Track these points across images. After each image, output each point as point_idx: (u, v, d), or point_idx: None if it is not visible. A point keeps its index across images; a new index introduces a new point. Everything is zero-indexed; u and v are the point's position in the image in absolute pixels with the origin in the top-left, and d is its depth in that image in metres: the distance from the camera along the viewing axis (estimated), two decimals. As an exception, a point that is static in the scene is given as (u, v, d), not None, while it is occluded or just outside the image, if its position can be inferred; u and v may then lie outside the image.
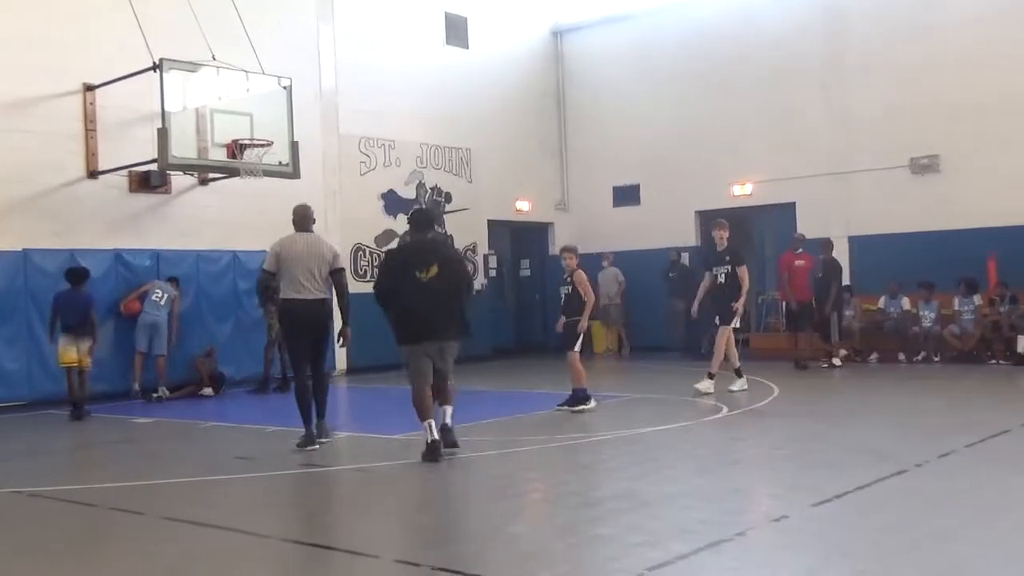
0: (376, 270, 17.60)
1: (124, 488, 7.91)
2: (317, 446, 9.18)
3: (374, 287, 9.00)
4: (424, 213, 9.53)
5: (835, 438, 9.14)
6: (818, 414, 10.71)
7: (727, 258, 12.38)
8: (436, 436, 8.26)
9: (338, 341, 9.57)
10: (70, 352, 12.16)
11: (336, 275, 9.29)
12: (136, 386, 13.85)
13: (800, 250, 15.87)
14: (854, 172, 17.64)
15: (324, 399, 9.41)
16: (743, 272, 12.36)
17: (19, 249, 13.28)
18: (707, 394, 11.93)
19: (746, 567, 5.30)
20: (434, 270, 8.46)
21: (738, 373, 12.47)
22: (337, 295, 9.37)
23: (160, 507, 7.07)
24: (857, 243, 17.51)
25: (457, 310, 8.64)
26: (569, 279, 11.19)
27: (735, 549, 5.52)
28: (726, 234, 12.57)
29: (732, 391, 12.18)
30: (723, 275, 12.33)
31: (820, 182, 17.89)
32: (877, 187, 17.33)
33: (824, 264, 15.99)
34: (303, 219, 9.45)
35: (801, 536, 5.81)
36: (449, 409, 8.60)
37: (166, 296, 13.94)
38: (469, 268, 15.58)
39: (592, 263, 20.62)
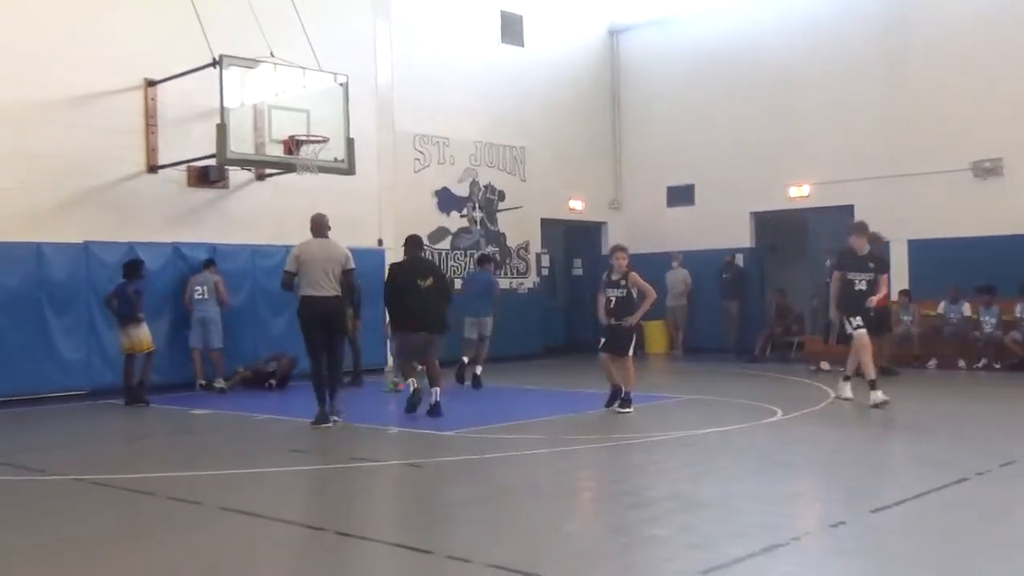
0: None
1: (182, 477, 8.03)
2: (331, 423, 10.30)
3: (385, 289, 11.44)
4: (417, 238, 11.82)
5: (894, 444, 9.01)
6: (876, 419, 10.53)
7: (871, 264, 11.53)
8: (415, 388, 11.12)
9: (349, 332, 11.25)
10: (125, 340, 12.67)
11: (347, 275, 10.50)
12: (201, 382, 14.08)
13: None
14: (914, 175, 17.33)
15: (337, 382, 10.59)
16: (886, 280, 12.03)
17: (80, 242, 13.52)
18: (883, 402, 10.93)
19: (802, 572, 5.23)
20: (430, 280, 11.13)
21: (847, 378, 11.80)
22: (347, 292, 10.76)
23: (216, 497, 7.15)
24: (916, 247, 17.22)
25: (443, 312, 11.27)
26: (623, 282, 10.84)
27: (790, 554, 5.45)
28: (866, 239, 12.08)
29: (843, 398, 11.61)
30: (865, 282, 11.40)
31: (879, 184, 17.61)
32: (937, 190, 17.01)
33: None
34: (319, 226, 10.70)
35: (858, 543, 5.72)
36: (438, 390, 10.97)
37: (206, 288, 14.07)
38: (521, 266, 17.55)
39: (646, 262, 20.57)
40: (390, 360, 14.90)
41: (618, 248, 11.20)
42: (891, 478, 7.35)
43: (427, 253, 17.82)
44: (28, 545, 5.96)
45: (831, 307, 11.93)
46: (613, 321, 10.91)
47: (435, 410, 10.80)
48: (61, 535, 6.19)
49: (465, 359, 14.29)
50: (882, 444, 8.99)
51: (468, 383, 14.00)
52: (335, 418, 10.41)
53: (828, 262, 15.91)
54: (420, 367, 11.36)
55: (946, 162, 16.91)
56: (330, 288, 10.32)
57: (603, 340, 11.05)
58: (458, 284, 16.01)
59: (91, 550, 5.82)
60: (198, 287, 14.13)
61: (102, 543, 5.98)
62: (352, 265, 10.52)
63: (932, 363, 15.92)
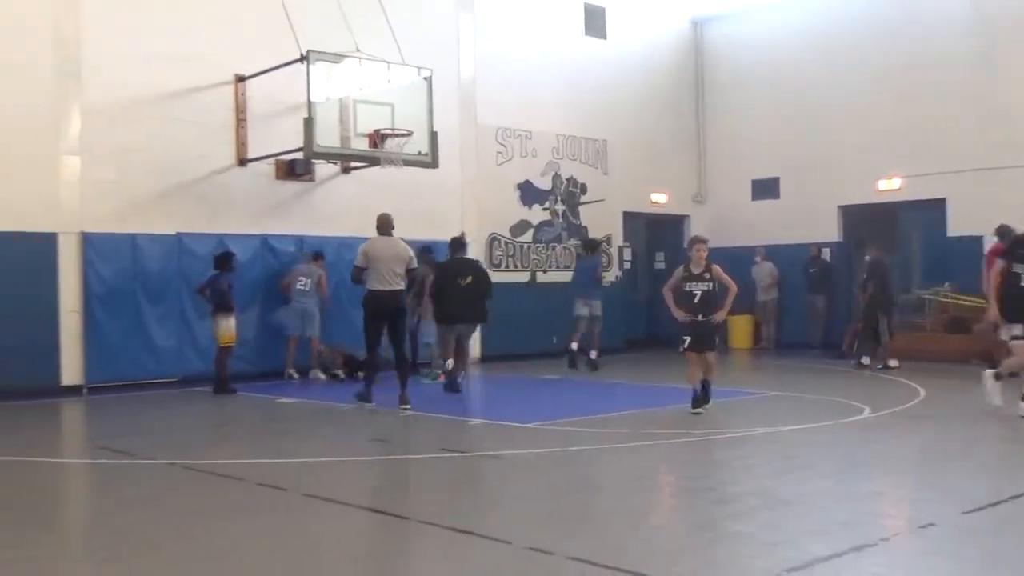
0: (510, 260, 17.93)
1: (268, 464, 8.21)
2: (373, 404, 11.16)
3: (431, 287, 13.13)
4: (459, 240, 13.44)
5: (988, 443, 8.76)
6: (969, 417, 10.23)
7: None
8: (450, 368, 12.78)
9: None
10: (215, 330, 13.09)
11: (411, 273, 11.38)
12: (291, 370, 14.36)
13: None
14: (1011, 167, 16.77)
15: (406, 372, 11.24)
16: None
17: (173, 233, 13.89)
18: None
19: (890, 573, 5.13)
20: (469, 279, 12.84)
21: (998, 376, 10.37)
22: (409, 287, 11.69)
23: (301, 484, 7.30)
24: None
25: (482, 304, 13.03)
26: (707, 275, 10.32)
27: (878, 554, 5.35)
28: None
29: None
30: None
31: (973, 177, 17.08)
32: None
33: (869, 264, 15.47)
34: (385, 225, 11.48)
35: (951, 544, 5.58)
36: (463, 372, 13.05)
37: (310, 281, 14.34)
38: (603, 260, 17.76)
39: (730, 257, 20.34)
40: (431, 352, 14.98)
41: (698, 240, 10.67)
42: (984, 479, 7.15)
43: (509, 246, 17.98)
44: (126, 525, 6.17)
45: (990, 302, 10.49)
46: (700, 317, 10.34)
47: (455, 387, 12.57)
48: (155, 517, 6.39)
49: (574, 345, 15.44)
50: (976, 445, 8.74)
51: (583, 368, 15.24)
52: (405, 407, 10.88)
53: (868, 257, 15.59)
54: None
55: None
56: (395, 283, 11.10)
57: (687, 339, 10.39)
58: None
59: (183, 532, 5.99)
60: (302, 278, 14.38)
61: (193, 525, 6.15)
62: (415, 264, 11.45)
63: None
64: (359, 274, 11.16)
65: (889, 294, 15.47)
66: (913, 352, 15.66)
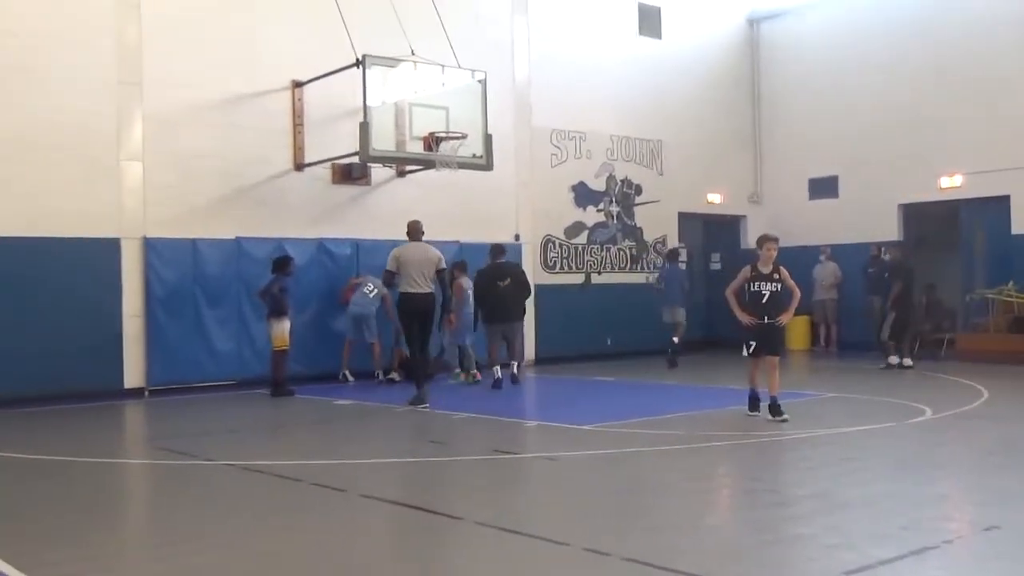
0: (564, 261, 17.91)
1: (326, 465, 8.29)
2: (427, 405, 11.34)
3: (474, 291, 13.85)
4: (498, 246, 14.34)
5: (1053, 446, 8.54)
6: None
7: None
8: (500, 376, 13.31)
9: (441, 325, 13.19)
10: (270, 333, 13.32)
11: (440, 274, 11.74)
12: (345, 372, 14.50)
13: None
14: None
15: (425, 372, 11.80)
16: None
17: (232, 237, 14.10)
18: None
19: (954, 577, 5.03)
20: (507, 280, 13.81)
21: None
22: (440, 289, 12.02)
23: (359, 485, 7.36)
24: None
25: (521, 304, 14.08)
26: (776, 275, 9.96)
27: (941, 558, 5.26)
28: None
29: None
30: None
31: (1037, 173, 16.70)
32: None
33: (890, 265, 15.46)
34: (415, 231, 12.06)
35: (1014, 548, 5.45)
36: (515, 363, 13.91)
37: (376, 291, 14.36)
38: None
39: (788, 257, 20.08)
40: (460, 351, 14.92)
41: (768, 238, 10.20)
42: (1051, 482, 6.98)
43: (564, 248, 17.95)
44: (183, 524, 6.27)
45: None
46: (767, 319, 9.92)
47: (515, 379, 13.69)
48: (212, 516, 6.49)
49: (675, 339, 16.19)
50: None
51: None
52: (424, 404, 11.35)
53: (889, 258, 15.43)
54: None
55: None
56: (425, 286, 11.56)
57: (753, 343, 9.96)
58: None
59: (240, 530, 6.07)
60: (370, 284, 14.35)
61: (249, 524, 6.23)
62: (444, 265, 11.84)
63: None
64: (390, 278, 11.87)
65: (911, 295, 15.36)
66: (977, 352, 15.34)
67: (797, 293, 10.14)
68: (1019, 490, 6.76)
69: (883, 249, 18.26)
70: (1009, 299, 16.29)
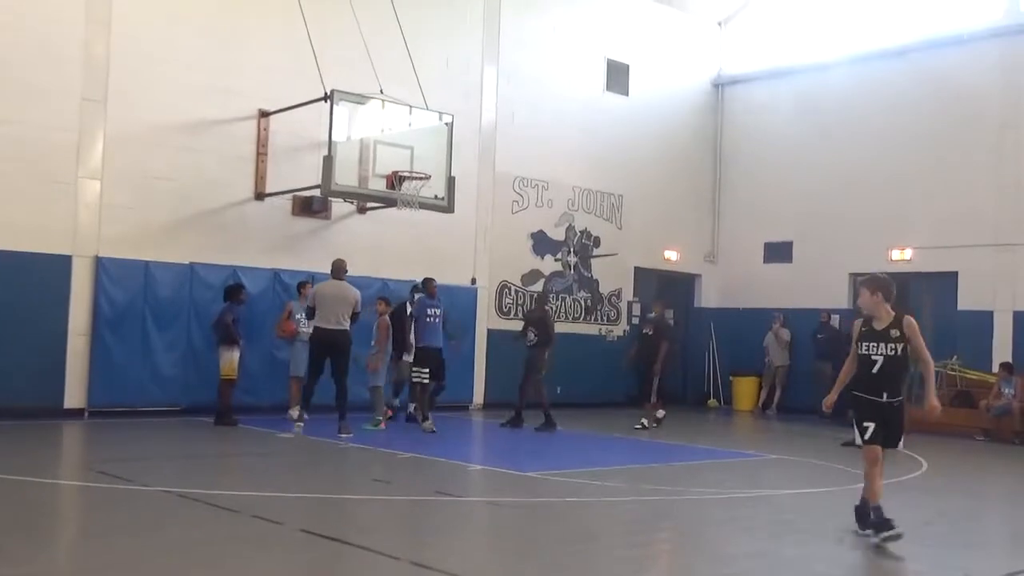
0: (519, 308, 17.95)
1: (265, 497, 8.17)
2: (303, 423, 12.16)
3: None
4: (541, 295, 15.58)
5: (988, 518, 8.67)
6: (971, 492, 10.16)
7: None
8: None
9: (356, 362, 12.88)
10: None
11: (355, 316, 12.28)
12: (293, 413, 13.33)
13: None
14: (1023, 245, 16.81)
15: (344, 403, 12.17)
16: None
17: (186, 262, 13.97)
18: None
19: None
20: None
21: None
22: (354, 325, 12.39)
23: (297, 519, 7.26)
24: (1022, 319, 16.63)
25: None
26: (896, 332, 7.18)
27: (874, 622, 5.29)
28: None
29: None
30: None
31: (985, 252, 17.11)
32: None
33: (654, 324, 15.42)
34: (337, 270, 12.50)
35: (947, 617, 5.52)
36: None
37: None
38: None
39: (741, 318, 20.31)
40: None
41: (875, 283, 7.37)
42: (985, 553, 7.07)
43: (519, 294, 18.01)
44: (115, 548, 6.14)
45: None
46: (886, 396, 7.17)
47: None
48: (145, 542, 6.36)
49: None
50: (976, 517, 8.66)
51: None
52: (344, 436, 11.83)
53: (652, 315, 15.81)
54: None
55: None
56: (335, 323, 12.07)
57: (872, 426, 7.22)
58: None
59: (173, 562, 5.95)
60: (300, 313, 13.72)
61: (183, 555, 6.11)
62: (359, 309, 12.35)
63: (1034, 440, 15.30)
64: (311, 312, 12.39)
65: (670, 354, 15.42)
66: (919, 424, 15.51)
67: (927, 359, 7.31)
68: (954, 562, 6.83)
69: (830, 316, 18.54)
70: (953, 373, 16.57)
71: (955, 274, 17.45)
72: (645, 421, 14.87)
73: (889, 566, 6.98)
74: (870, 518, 7.12)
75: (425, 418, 12.97)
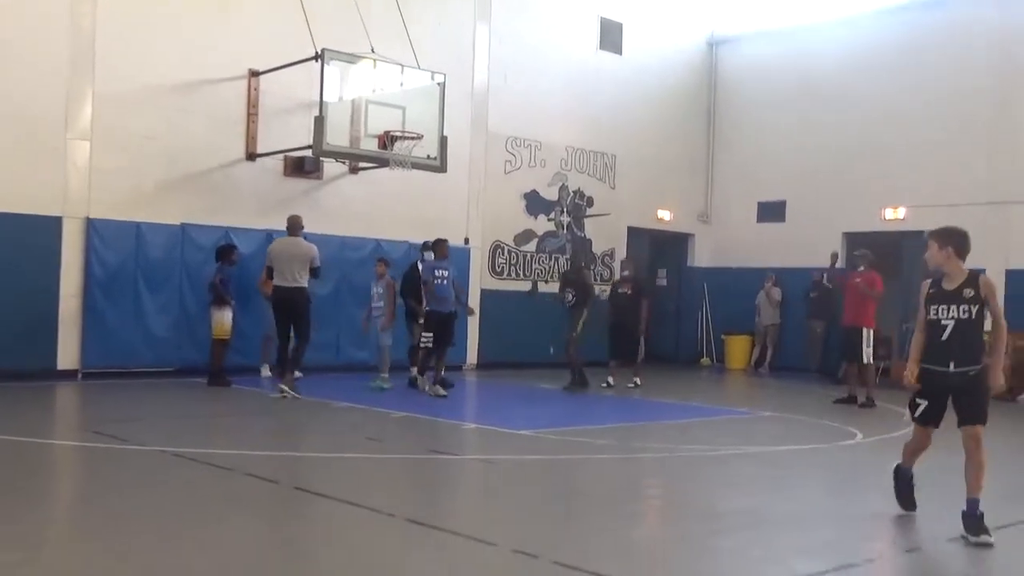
0: (512, 268, 17.96)
1: (259, 456, 8.22)
2: (287, 387, 11.70)
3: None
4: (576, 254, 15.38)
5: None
6: (959, 448, 10.20)
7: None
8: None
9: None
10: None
11: (314, 272, 12.02)
12: (264, 371, 13.98)
13: (861, 268, 14.00)
14: (1016, 203, 16.80)
15: (298, 357, 12.13)
16: None
17: (178, 223, 13.93)
18: None
19: (872, 594, 5.14)
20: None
21: None
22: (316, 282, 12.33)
23: (291, 477, 7.32)
24: (1014, 277, 16.67)
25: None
26: (970, 292, 6.24)
27: (861, 575, 5.36)
28: None
29: None
30: None
31: (978, 211, 17.07)
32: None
33: (632, 281, 15.27)
34: (292, 226, 12.20)
35: (934, 569, 5.59)
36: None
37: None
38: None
39: (734, 278, 20.35)
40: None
41: (946, 236, 6.50)
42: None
43: (512, 254, 18.02)
44: (111, 506, 6.19)
45: None
46: (954, 366, 6.22)
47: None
48: (141, 500, 6.40)
49: None
50: (963, 474, 8.71)
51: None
52: (285, 390, 11.65)
53: (627, 273, 15.56)
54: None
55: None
56: (292, 280, 11.82)
57: (923, 404, 6.46)
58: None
59: (169, 520, 6.00)
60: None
61: (179, 513, 6.16)
62: (318, 263, 12.05)
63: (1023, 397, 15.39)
64: (268, 272, 12.17)
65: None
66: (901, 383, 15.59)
67: (1001, 324, 6.40)
68: (940, 515, 6.90)
69: (824, 275, 18.56)
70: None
71: (948, 233, 17.42)
72: (637, 379, 14.91)
73: (880, 518, 7.06)
74: (969, 515, 6.12)
75: (436, 382, 12.62)
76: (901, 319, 17.98)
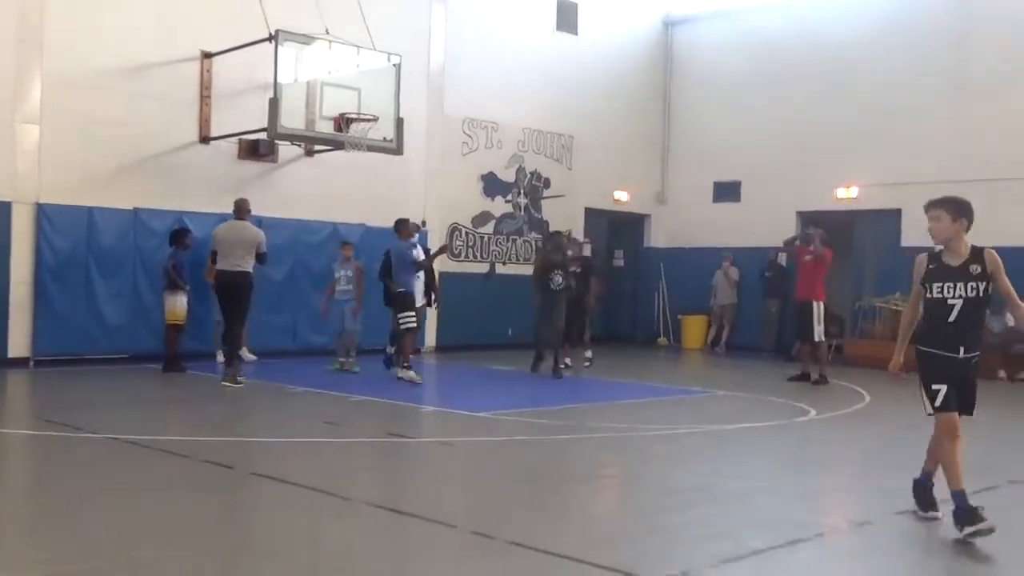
0: (470, 250, 17.96)
1: (215, 442, 8.18)
2: (242, 384, 11.47)
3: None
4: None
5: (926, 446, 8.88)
6: (912, 424, 10.35)
7: None
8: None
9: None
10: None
11: (261, 258, 11.77)
12: (219, 356, 13.56)
13: (811, 245, 14.17)
14: (967, 181, 17.01)
15: (233, 349, 11.93)
16: None
17: (130, 208, 13.75)
18: None
19: (823, 567, 5.24)
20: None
21: None
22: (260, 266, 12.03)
23: (248, 463, 7.29)
24: (964, 254, 16.94)
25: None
26: (977, 268, 5.75)
27: (812, 549, 5.47)
28: None
29: None
30: None
31: (930, 189, 17.17)
32: (994, 197, 16.70)
33: (580, 261, 15.30)
34: (239, 210, 11.97)
35: (883, 541, 5.70)
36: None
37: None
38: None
39: (691, 257, 20.50)
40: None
41: (957, 207, 5.96)
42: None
43: (470, 236, 18.01)
44: (62, 494, 6.12)
45: None
46: (963, 352, 5.79)
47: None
48: (93, 488, 6.34)
49: None
50: (916, 448, 8.89)
51: None
52: (227, 383, 11.44)
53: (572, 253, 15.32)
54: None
55: (1005, 170, 16.59)
56: (235, 264, 11.56)
57: (942, 388, 5.82)
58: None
59: (123, 507, 5.95)
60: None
61: (133, 501, 6.11)
62: (264, 249, 11.78)
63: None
64: (213, 256, 11.95)
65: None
66: (863, 358, 15.88)
67: (1018, 301, 5.74)
68: (894, 487, 7.02)
69: (778, 255, 18.77)
70: (896, 308, 16.87)
71: (898, 211, 17.69)
72: (589, 354, 15.04)
73: (832, 493, 7.19)
74: (931, 495, 6.05)
75: (408, 367, 12.39)
76: (854, 298, 18.24)
